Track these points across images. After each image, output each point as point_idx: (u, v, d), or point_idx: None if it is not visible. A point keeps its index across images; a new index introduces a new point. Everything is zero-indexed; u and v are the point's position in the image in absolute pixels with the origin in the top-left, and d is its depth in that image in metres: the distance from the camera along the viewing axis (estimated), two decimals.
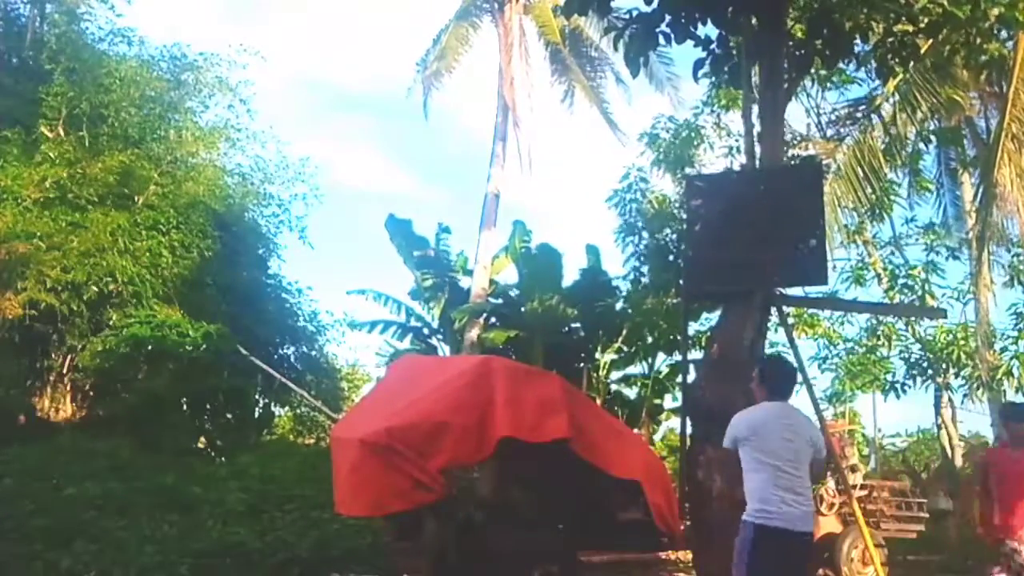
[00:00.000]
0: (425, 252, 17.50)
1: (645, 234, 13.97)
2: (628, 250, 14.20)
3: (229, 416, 15.02)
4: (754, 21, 6.38)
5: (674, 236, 13.32)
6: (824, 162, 12.12)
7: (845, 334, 15.08)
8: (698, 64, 6.82)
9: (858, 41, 7.03)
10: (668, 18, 6.31)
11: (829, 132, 13.32)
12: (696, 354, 8.92)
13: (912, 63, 8.51)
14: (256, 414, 16.24)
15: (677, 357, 15.45)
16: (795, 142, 13.14)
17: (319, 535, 8.30)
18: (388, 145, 74.03)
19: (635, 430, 14.52)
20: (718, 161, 13.97)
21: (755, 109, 6.45)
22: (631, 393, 17.36)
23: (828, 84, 13.08)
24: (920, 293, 13.67)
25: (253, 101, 17.55)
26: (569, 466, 6.16)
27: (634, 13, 6.49)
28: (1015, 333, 13.52)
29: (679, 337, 11.73)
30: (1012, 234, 13.54)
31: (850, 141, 12.82)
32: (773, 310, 6.17)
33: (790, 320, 9.92)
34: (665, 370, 16.62)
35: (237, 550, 7.82)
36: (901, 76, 11.24)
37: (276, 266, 17.67)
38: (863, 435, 19.09)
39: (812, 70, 8.62)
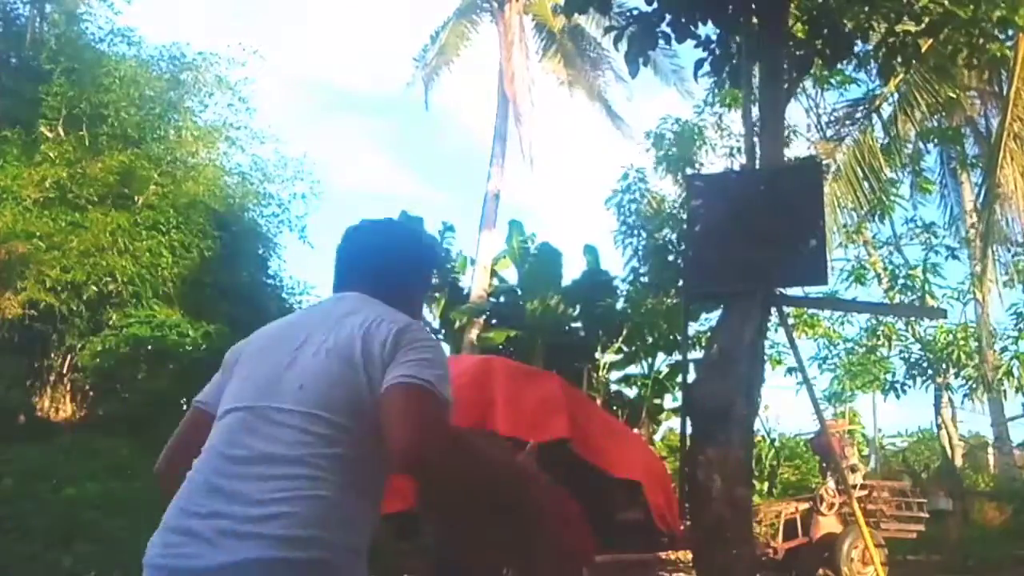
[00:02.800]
0: None
1: (644, 234, 13.98)
2: (628, 252, 14.24)
3: None
4: (754, 21, 6.36)
5: (674, 236, 13.33)
6: (824, 162, 12.12)
7: (845, 334, 15.10)
8: (699, 64, 6.81)
9: (858, 41, 7.02)
10: (668, 17, 6.29)
11: (829, 132, 13.32)
12: (696, 354, 8.91)
13: (913, 62, 8.50)
14: None
15: (677, 357, 15.45)
16: (794, 138, 13.15)
17: None
18: (388, 145, 74.07)
19: (635, 430, 14.51)
20: (719, 161, 14.00)
21: (755, 109, 6.43)
22: (631, 393, 17.35)
23: (828, 84, 13.08)
24: (920, 293, 13.68)
25: (252, 99, 17.53)
26: (569, 466, 6.15)
27: (634, 12, 6.47)
28: (1015, 333, 13.54)
29: (679, 337, 11.74)
30: (1014, 233, 13.56)
31: (850, 141, 12.82)
32: (773, 310, 6.15)
33: (790, 320, 9.92)
34: (665, 370, 16.62)
35: None
36: (901, 76, 11.25)
37: (276, 266, 17.65)
38: (863, 435, 19.11)
39: (812, 70, 8.61)
